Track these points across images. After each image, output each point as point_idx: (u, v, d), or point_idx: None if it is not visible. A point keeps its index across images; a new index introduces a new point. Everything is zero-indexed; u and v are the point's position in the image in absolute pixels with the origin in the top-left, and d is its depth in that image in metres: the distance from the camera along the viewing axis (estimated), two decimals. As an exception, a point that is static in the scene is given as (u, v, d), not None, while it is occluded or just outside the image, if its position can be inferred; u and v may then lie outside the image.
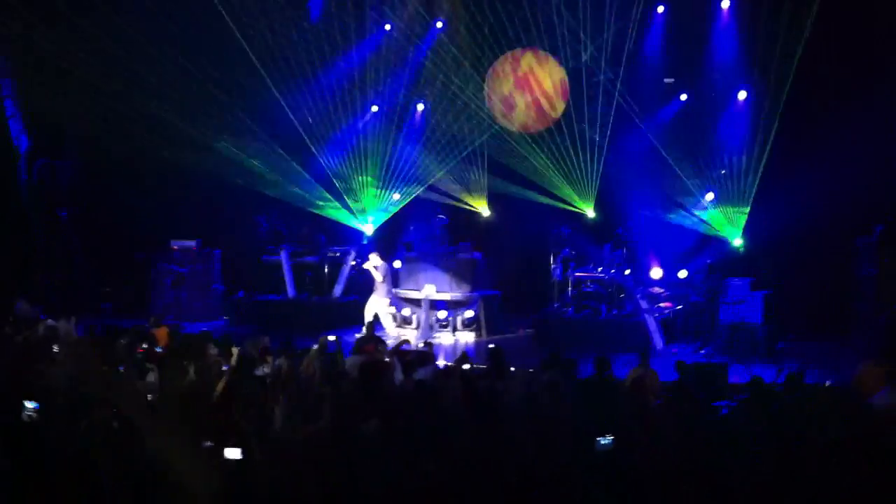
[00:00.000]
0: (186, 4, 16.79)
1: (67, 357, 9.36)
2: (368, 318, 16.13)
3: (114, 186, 18.22)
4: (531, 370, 10.01)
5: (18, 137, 17.34)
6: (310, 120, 18.70)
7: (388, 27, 19.24)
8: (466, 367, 9.99)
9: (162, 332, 11.85)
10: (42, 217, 18.17)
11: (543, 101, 18.89)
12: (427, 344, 11.78)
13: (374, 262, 16.68)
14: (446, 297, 17.28)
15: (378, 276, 16.55)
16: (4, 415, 5.65)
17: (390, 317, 16.88)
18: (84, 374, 7.78)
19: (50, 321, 11.79)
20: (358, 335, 14.10)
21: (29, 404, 5.73)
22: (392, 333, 16.21)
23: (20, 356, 9.44)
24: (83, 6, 16.21)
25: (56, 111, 17.36)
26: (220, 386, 7.88)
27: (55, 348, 9.67)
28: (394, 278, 18.13)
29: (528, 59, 18.92)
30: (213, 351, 9.95)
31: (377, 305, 16.54)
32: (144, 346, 10.19)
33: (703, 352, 14.98)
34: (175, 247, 18.41)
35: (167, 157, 17.55)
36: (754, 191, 17.26)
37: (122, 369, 8.93)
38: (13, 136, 17.25)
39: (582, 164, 18.62)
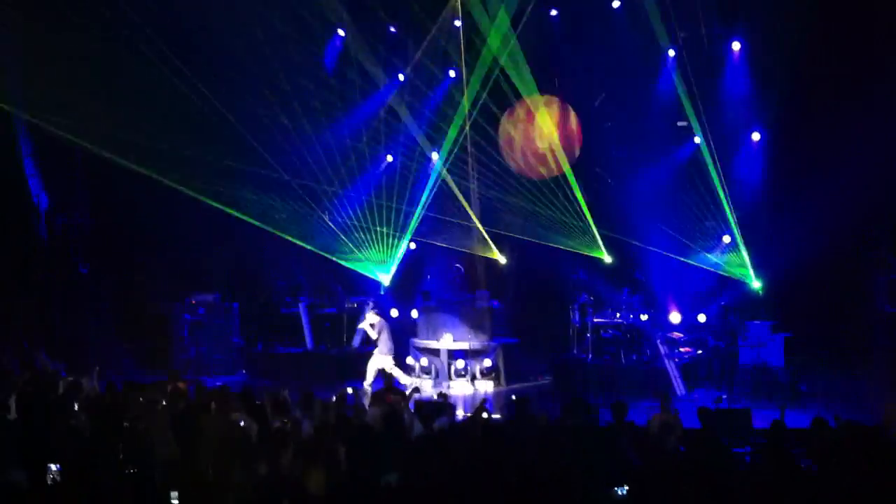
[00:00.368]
0: (205, 57, 16.99)
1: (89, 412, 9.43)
2: (370, 376, 16.10)
3: (133, 241, 18.34)
4: (553, 417, 9.98)
5: (38, 195, 17.57)
6: (319, 180, 18.77)
7: (401, 77, 19.45)
8: (485, 416, 10.00)
9: (182, 388, 11.87)
10: (63, 273, 18.30)
11: (556, 147, 18.97)
12: (442, 395, 11.70)
13: (369, 321, 16.55)
14: (464, 346, 17.22)
15: (373, 335, 16.42)
16: (32, 479, 5.68)
17: (398, 370, 16.63)
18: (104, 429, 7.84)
19: (71, 378, 11.83)
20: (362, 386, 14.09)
21: (53, 467, 5.78)
22: (407, 383, 16.11)
23: (43, 415, 9.49)
24: (97, 57, 16.42)
25: (74, 167, 17.57)
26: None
27: (76, 406, 9.72)
28: (412, 327, 18.15)
29: (540, 105, 19.04)
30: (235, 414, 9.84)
31: (380, 362, 16.28)
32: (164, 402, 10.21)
33: (724, 400, 14.77)
34: (194, 301, 18.46)
35: (185, 211, 17.66)
36: (772, 231, 17.20)
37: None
38: (33, 194, 17.48)
39: (596, 209, 18.64)
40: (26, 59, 16.55)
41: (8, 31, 16.09)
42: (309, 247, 19.32)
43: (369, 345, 18.23)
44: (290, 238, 19.05)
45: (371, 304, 17.52)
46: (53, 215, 18.15)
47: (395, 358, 16.53)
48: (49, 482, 5.88)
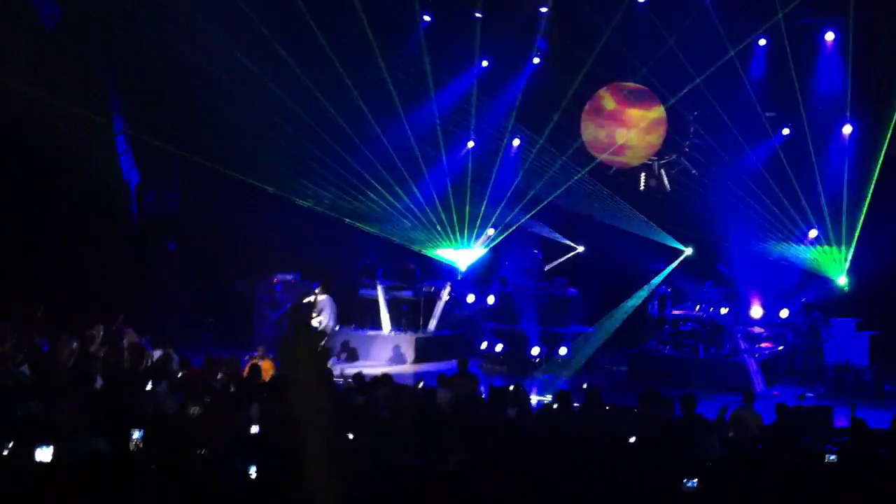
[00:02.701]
0: (294, 38, 17.24)
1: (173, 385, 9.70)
2: None
3: (219, 219, 18.72)
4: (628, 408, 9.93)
5: (129, 172, 18.05)
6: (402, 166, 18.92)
7: (485, 63, 19.44)
8: (556, 405, 9.97)
9: (267, 365, 12.14)
10: (151, 249, 18.80)
11: (641, 136, 18.78)
12: (517, 384, 11.65)
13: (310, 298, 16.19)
14: (540, 332, 17.18)
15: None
16: (115, 444, 5.88)
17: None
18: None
19: (157, 351, 12.17)
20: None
21: (136, 433, 5.97)
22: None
23: (129, 384, 9.81)
24: (192, 42, 16.80)
25: (165, 144, 18.00)
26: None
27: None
28: (486, 313, 18.19)
29: (625, 93, 18.87)
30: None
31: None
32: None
33: (807, 398, 14.47)
34: (276, 279, 18.79)
35: (270, 191, 17.98)
36: (860, 227, 16.75)
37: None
38: (124, 170, 17.96)
39: (680, 200, 18.41)
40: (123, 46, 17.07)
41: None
42: (386, 235, 19.51)
43: (444, 329, 18.36)
44: (365, 227, 19.27)
45: (448, 288, 17.55)
46: (143, 192, 18.61)
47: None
48: (132, 448, 6.08)
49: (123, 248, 18.02)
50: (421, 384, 11.49)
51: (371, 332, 18.49)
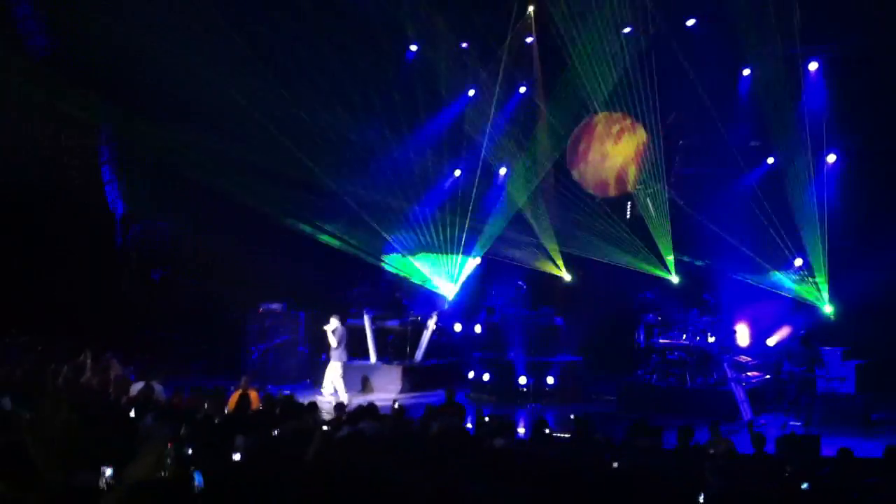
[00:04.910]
0: (283, 69, 17.34)
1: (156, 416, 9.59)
2: (329, 385, 16.26)
3: (206, 249, 18.67)
4: (616, 439, 9.87)
5: (115, 202, 18.00)
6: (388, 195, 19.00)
7: (471, 92, 19.53)
8: (546, 431, 9.93)
9: (253, 395, 12.05)
10: (136, 279, 18.70)
11: (626, 165, 18.85)
12: (501, 416, 11.59)
13: (332, 326, 16.59)
14: (528, 362, 17.12)
15: (333, 342, 16.48)
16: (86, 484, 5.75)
17: (341, 381, 16.58)
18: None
19: (141, 383, 12.07)
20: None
21: (107, 470, 5.82)
22: (343, 398, 15.67)
23: (111, 417, 9.69)
24: (185, 73, 16.87)
25: (154, 177, 18.02)
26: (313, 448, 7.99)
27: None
28: (473, 342, 18.17)
29: (611, 123, 18.95)
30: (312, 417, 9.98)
31: (332, 370, 16.48)
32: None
33: (790, 426, 14.44)
34: (262, 309, 18.71)
35: (258, 222, 17.96)
36: (846, 256, 16.81)
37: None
38: (109, 200, 17.92)
39: (666, 229, 18.46)
40: (113, 72, 17.10)
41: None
42: (374, 261, 19.50)
43: (430, 359, 18.33)
44: (357, 254, 19.29)
45: (434, 318, 17.56)
46: (128, 222, 18.55)
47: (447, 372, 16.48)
48: (102, 486, 5.94)
49: (107, 276, 17.93)
50: (396, 404, 11.42)
51: (357, 363, 18.42)
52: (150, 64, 16.80)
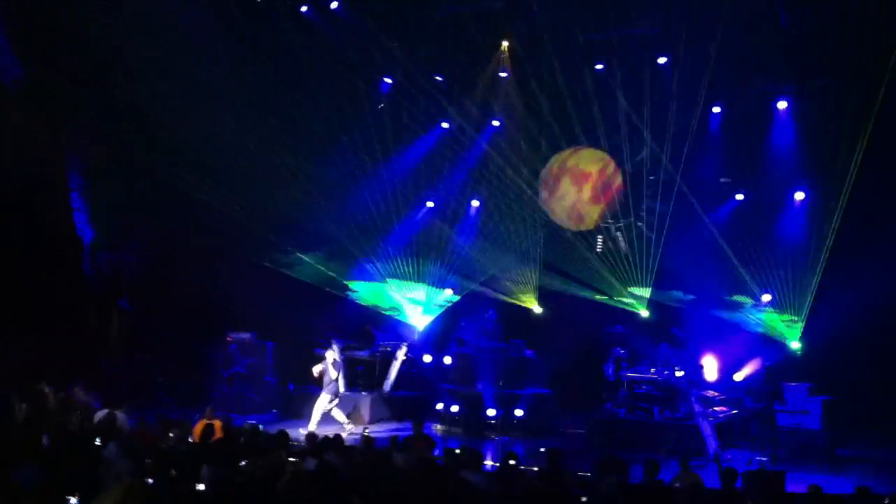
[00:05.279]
0: (252, 99, 17.40)
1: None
2: (316, 416, 15.83)
3: (174, 278, 18.54)
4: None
5: (83, 229, 17.87)
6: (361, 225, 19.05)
7: (445, 125, 19.62)
8: (513, 462, 9.91)
9: (217, 425, 11.94)
10: (103, 307, 18.52)
11: (598, 200, 18.97)
12: (473, 447, 11.54)
13: (332, 357, 16.29)
14: (497, 395, 17.07)
15: (333, 373, 16.18)
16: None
17: (338, 410, 16.33)
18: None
19: (104, 411, 11.94)
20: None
21: (73, 500, 5.79)
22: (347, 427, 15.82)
23: (73, 446, 9.57)
24: (156, 104, 16.89)
25: (123, 205, 17.95)
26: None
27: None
28: (443, 373, 18.15)
29: (583, 157, 19.07)
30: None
31: (327, 403, 16.09)
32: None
33: (755, 462, 14.49)
34: (230, 338, 18.57)
35: (225, 251, 17.88)
36: (814, 293, 17.00)
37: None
38: (78, 227, 17.78)
39: (637, 263, 18.59)
40: (81, 99, 17.07)
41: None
42: (345, 294, 19.48)
43: (400, 390, 18.22)
44: (327, 285, 19.27)
45: (404, 349, 17.57)
46: (97, 250, 18.40)
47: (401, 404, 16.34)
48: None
49: (75, 305, 17.75)
50: (366, 430, 11.39)
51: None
52: (121, 93, 16.85)
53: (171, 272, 18.56)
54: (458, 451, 11.02)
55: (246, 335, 18.70)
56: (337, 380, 16.21)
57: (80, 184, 17.69)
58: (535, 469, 10.11)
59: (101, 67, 16.79)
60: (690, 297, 18.53)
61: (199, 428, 11.57)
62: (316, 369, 16.25)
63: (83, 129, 17.48)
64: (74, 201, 17.65)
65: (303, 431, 14.17)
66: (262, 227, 18.26)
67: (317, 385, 17.81)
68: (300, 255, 19.09)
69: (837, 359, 16.16)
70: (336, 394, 16.20)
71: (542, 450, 11.15)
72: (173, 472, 8.23)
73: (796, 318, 17.18)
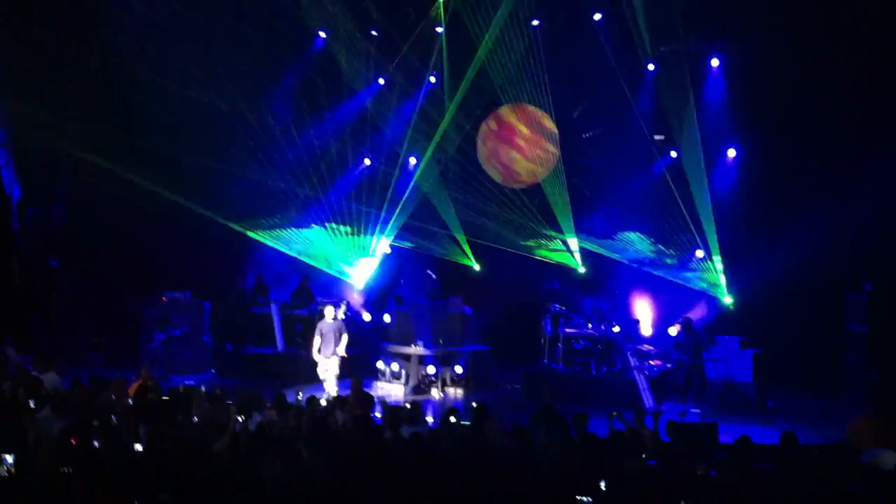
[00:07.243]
0: (184, 59, 17.05)
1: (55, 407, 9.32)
2: (332, 381, 15.35)
3: (105, 235, 18.16)
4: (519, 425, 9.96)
5: (10, 186, 17.37)
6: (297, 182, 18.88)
7: (381, 81, 19.46)
8: (453, 419, 10.00)
9: (153, 384, 11.81)
10: (32, 265, 18.07)
11: (533, 156, 19.01)
12: (414, 403, 11.59)
13: (331, 315, 15.72)
14: (435, 351, 17.12)
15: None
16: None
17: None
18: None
19: (35, 373, 11.70)
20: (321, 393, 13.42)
21: (8, 457, 5.69)
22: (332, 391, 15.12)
23: (5, 407, 9.40)
24: (81, 48, 16.41)
25: (50, 159, 17.49)
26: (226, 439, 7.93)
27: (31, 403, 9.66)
28: (382, 331, 18.15)
29: (518, 114, 19.07)
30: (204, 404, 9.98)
31: (334, 367, 15.46)
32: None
33: (688, 414, 14.83)
34: (165, 298, 18.28)
35: (159, 207, 17.53)
36: (745, 248, 17.35)
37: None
38: (5, 184, 17.28)
39: (572, 218, 18.75)
40: (8, 54, 16.50)
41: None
42: (282, 248, 19.30)
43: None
44: (262, 239, 19.08)
45: (343, 307, 17.51)
46: (24, 207, 17.92)
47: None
48: (3, 474, 5.77)
49: (3, 263, 17.29)
50: (300, 395, 11.34)
51: (264, 351, 18.18)
52: (44, 45, 16.33)
53: (103, 230, 18.14)
54: (396, 408, 11.09)
55: (181, 294, 18.42)
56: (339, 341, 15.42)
57: (5, 139, 17.14)
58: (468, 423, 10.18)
59: (16, 12, 16.23)
60: (626, 252, 18.77)
61: (133, 388, 11.42)
62: (316, 343, 15.63)
63: (4, 80, 16.89)
64: (0, 158, 17.12)
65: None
66: (195, 181, 17.87)
67: (256, 346, 17.64)
68: (232, 211, 18.76)
69: (769, 312, 16.55)
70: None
71: (474, 404, 11.27)
72: (110, 432, 8.14)
73: (728, 274, 17.54)
